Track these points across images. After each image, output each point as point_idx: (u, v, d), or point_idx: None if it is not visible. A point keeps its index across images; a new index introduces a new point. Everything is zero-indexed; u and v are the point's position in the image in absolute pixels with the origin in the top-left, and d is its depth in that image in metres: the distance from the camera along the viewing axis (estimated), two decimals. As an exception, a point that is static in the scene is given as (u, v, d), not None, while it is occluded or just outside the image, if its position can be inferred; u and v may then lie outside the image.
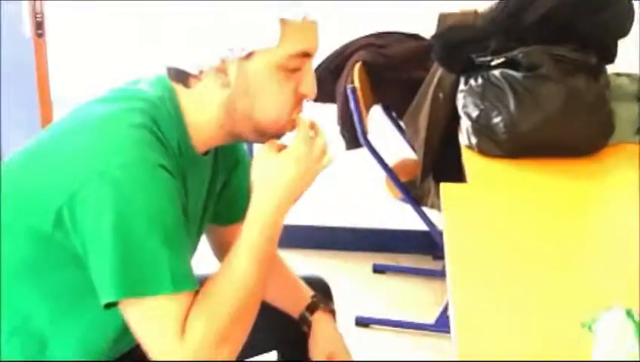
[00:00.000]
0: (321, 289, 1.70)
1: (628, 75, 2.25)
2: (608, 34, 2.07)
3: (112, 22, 3.21)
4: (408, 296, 3.09)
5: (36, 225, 1.24)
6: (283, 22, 1.26)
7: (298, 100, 1.33)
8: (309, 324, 1.61)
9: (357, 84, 2.51)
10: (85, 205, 1.19)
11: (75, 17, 3.14)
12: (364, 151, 2.67)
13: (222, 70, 1.28)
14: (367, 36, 2.78)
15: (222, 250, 1.63)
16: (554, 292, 1.33)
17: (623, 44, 2.16)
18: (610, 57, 2.10)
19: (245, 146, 1.62)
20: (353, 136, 2.73)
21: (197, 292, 1.26)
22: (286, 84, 1.30)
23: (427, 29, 2.64)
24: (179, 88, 1.32)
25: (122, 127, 1.24)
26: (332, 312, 1.64)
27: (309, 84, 1.32)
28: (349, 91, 2.48)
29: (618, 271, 1.42)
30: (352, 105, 2.49)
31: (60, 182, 1.22)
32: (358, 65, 2.58)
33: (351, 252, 3.38)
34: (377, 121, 2.87)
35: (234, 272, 1.28)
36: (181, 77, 1.31)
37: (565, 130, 1.94)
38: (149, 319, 1.22)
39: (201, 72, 1.29)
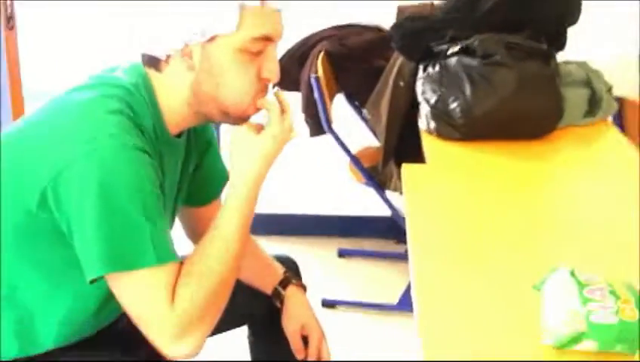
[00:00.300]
0: (289, 268, 1.79)
1: (576, 63, 2.36)
2: (558, 22, 2.18)
3: (82, 14, 3.25)
4: (372, 279, 3.19)
5: (21, 204, 1.31)
6: (242, 7, 1.34)
7: (262, 85, 1.41)
8: (281, 299, 1.69)
9: (320, 73, 2.60)
10: (68, 185, 1.26)
11: (45, 10, 3.17)
12: (327, 138, 2.77)
13: (187, 54, 1.36)
14: (329, 28, 2.87)
15: (194, 231, 1.72)
16: (510, 264, 1.42)
17: (572, 32, 2.27)
18: (560, 44, 2.22)
19: (214, 130, 1.71)
20: (317, 123, 2.82)
21: (181, 264, 1.34)
22: (249, 67, 1.37)
23: (386, 21, 2.75)
24: (152, 73, 1.40)
25: (100, 112, 1.32)
26: (303, 287, 1.73)
27: (272, 68, 1.39)
28: (312, 81, 2.57)
29: (567, 241, 1.54)
30: (316, 94, 2.58)
31: (42, 164, 1.29)
32: (321, 56, 2.67)
33: (316, 237, 3.47)
34: (340, 109, 2.96)
35: (220, 238, 1.36)
36: (152, 62, 1.39)
37: (518, 114, 2.04)
38: (138, 290, 1.30)
39: (168, 57, 1.37)
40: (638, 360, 1.12)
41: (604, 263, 1.41)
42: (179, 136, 1.48)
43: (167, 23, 1.35)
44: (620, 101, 2.37)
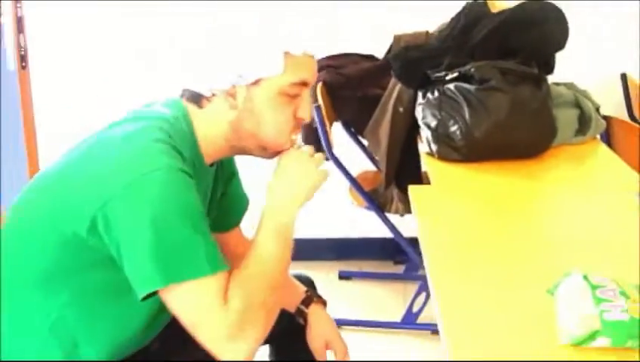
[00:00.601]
0: (308, 285, 1.89)
1: (565, 84, 2.50)
2: (547, 48, 2.31)
3: (98, 54, 3.35)
4: (373, 299, 3.29)
5: (69, 232, 1.41)
6: (286, 54, 1.49)
7: (297, 123, 1.55)
8: (305, 317, 1.79)
9: (320, 102, 2.72)
10: (119, 210, 1.36)
11: (59, 50, 3.27)
12: (325, 165, 2.87)
13: (231, 94, 1.50)
14: (325, 58, 2.98)
15: (229, 255, 1.82)
16: (520, 274, 1.54)
17: (560, 56, 2.40)
18: (550, 68, 2.35)
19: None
20: (317, 151, 2.93)
21: (230, 273, 1.43)
22: (286, 108, 1.52)
23: (380, 50, 2.87)
24: (191, 108, 1.53)
25: (145, 141, 1.42)
26: (324, 303, 1.83)
27: (307, 109, 1.54)
28: (314, 110, 2.68)
29: (570, 251, 1.65)
30: (317, 122, 2.69)
31: (92, 192, 1.39)
32: (319, 86, 2.79)
33: (317, 261, 3.57)
34: (337, 137, 3.07)
35: (261, 256, 1.46)
36: (195, 98, 1.52)
37: (513, 135, 2.17)
38: (192, 298, 1.38)
39: (213, 95, 1.51)
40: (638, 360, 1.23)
41: (604, 269, 1.52)
42: (211, 165, 1.59)
43: (214, 65, 1.49)
44: (607, 119, 2.50)
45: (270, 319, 1.45)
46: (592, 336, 1.23)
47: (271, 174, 1.55)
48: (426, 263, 1.61)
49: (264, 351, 1.92)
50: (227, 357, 1.39)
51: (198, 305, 1.39)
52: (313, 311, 1.80)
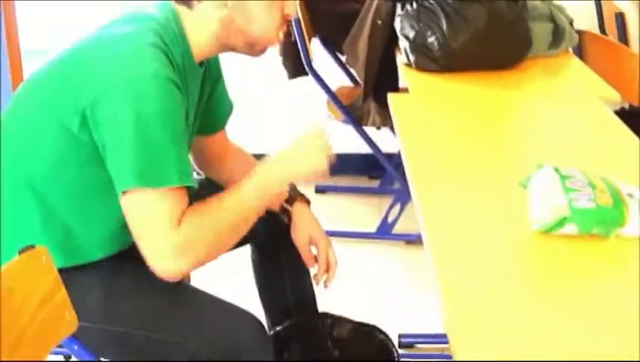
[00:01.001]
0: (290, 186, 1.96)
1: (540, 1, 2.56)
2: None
3: None
4: (350, 212, 3.39)
5: (65, 124, 1.48)
6: None
7: (284, 19, 1.61)
8: (288, 215, 1.88)
9: (300, 16, 2.75)
10: (106, 109, 1.43)
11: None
12: (304, 81, 2.94)
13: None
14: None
15: (202, 159, 1.89)
16: (497, 171, 1.64)
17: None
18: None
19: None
20: (295, 66, 3.00)
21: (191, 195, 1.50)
22: (274, 4, 1.58)
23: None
24: (181, 9, 1.58)
25: (138, 43, 1.48)
26: (308, 202, 1.91)
27: (292, 6, 1.61)
28: (293, 23, 2.72)
29: (543, 155, 1.73)
30: (297, 36, 2.74)
31: (84, 88, 1.46)
32: (298, 0, 2.83)
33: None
34: (315, 52, 3.12)
35: (240, 200, 1.53)
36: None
37: (490, 46, 2.24)
38: (151, 207, 1.45)
39: None
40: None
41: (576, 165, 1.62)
42: (200, 65, 1.65)
43: None
44: (580, 34, 2.57)
45: (211, 254, 1.51)
46: (561, 223, 1.32)
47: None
48: (406, 168, 1.69)
49: (246, 250, 2.00)
50: (159, 270, 1.47)
51: (151, 216, 1.45)
52: (297, 209, 1.87)
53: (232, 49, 1.63)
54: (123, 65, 1.45)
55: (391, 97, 2.05)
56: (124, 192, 1.45)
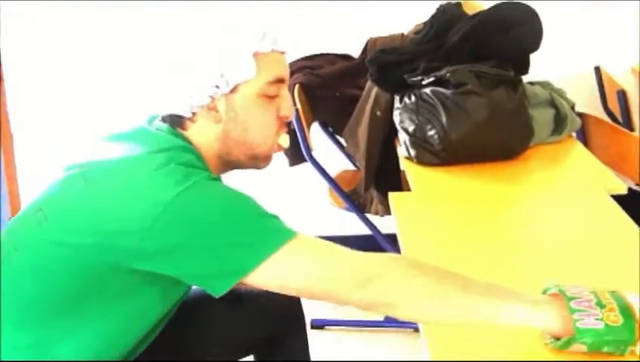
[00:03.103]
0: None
1: (540, 83, 2.59)
2: (522, 49, 2.40)
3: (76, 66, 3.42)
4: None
5: (108, 262, 1.40)
6: (256, 55, 1.51)
7: (281, 122, 1.58)
8: None
9: (298, 105, 2.79)
10: (167, 229, 1.35)
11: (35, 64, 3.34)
12: (304, 167, 2.96)
13: (212, 108, 1.52)
14: (300, 59, 3.06)
15: None
16: (502, 277, 1.60)
17: (534, 54, 2.49)
18: (525, 69, 2.43)
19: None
20: (295, 153, 3.02)
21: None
22: (269, 108, 1.54)
23: (355, 49, 2.96)
24: (183, 133, 1.55)
25: (168, 166, 1.42)
26: None
27: (287, 106, 1.58)
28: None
29: (548, 255, 1.74)
30: (295, 125, 2.77)
31: (127, 222, 1.37)
32: (297, 88, 2.87)
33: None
34: (315, 137, 3.15)
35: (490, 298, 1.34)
36: (178, 122, 1.54)
37: (491, 137, 2.26)
38: (297, 262, 1.35)
39: (194, 114, 1.53)
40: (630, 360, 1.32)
41: (587, 275, 1.61)
42: None
43: (188, 82, 1.50)
44: (582, 117, 2.60)
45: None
46: (569, 343, 1.32)
47: None
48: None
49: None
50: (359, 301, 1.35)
51: (308, 266, 1.36)
52: None
53: (237, 166, 1.60)
54: (161, 184, 1.39)
55: (392, 197, 2.07)
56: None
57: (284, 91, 1.58)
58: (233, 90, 1.52)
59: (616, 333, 1.31)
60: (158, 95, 1.56)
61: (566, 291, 1.35)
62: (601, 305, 1.33)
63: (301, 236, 1.38)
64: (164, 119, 1.57)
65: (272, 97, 1.55)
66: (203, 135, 1.55)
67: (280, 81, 1.56)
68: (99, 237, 1.40)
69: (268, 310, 1.89)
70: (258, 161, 1.60)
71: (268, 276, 1.36)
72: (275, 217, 1.41)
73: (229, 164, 1.59)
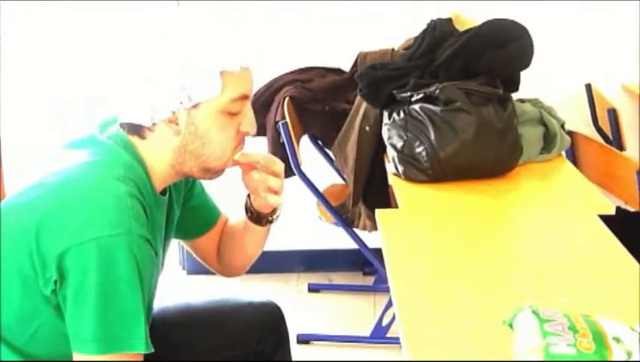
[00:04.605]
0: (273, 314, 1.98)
1: (530, 101, 2.61)
2: (512, 67, 2.42)
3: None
4: (343, 312, 3.39)
5: (25, 271, 1.47)
6: (223, 73, 1.52)
7: (240, 138, 1.61)
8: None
9: (287, 118, 2.80)
10: (74, 263, 1.42)
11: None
12: (294, 179, 2.97)
13: (173, 121, 1.54)
14: (291, 72, 3.07)
15: (204, 255, 1.93)
16: (482, 295, 1.65)
17: (524, 71, 2.50)
18: (515, 87, 2.45)
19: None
20: (286, 166, 3.02)
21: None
22: (229, 125, 1.57)
23: (346, 62, 2.97)
24: (134, 140, 1.58)
25: (110, 196, 1.47)
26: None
27: (249, 122, 1.60)
28: (281, 127, 2.77)
29: (532, 275, 1.76)
30: (285, 139, 2.78)
31: (52, 236, 1.44)
32: (286, 101, 2.88)
33: (285, 273, 3.66)
34: (305, 150, 3.17)
35: None
36: (136, 130, 1.57)
37: (479, 155, 2.27)
38: None
39: (154, 124, 1.55)
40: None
41: (570, 295, 1.63)
42: (163, 193, 1.66)
43: (149, 93, 1.51)
44: (572, 135, 2.62)
45: None
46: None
47: None
48: (391, 287, 1.71)
49: None
50: None
51: None
52: None
53: (188, 175, 1.63)
54: (97, 217, 1.44)
55: (379, 214, 2.08)
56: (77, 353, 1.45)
57: (247, 108, 1.60)
58: (195, 106, 1.54)
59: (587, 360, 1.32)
60: (120, 100, 1.58)
61: (540, 313, 1.36)
62: (574, 329, 1.34)
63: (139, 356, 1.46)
64: (122, 125, 1.59)
65: (234, 114, 1.57)
66: (159, 145, 1.57)
67: (244, 97, 1.58)
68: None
69: (250, 326, 1.91)
70: (210, 173, 1.63)
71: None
72: (140, 323, 1.46)
73: (181, 173, 1.62)
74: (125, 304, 1.44)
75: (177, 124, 1.54)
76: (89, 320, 1.43)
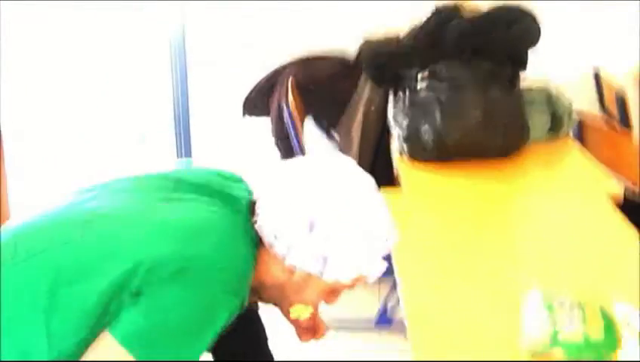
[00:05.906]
0: None
1: (538, 81, 2.58)
2: (519, 46, 2.39)
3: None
4: (347, 295, 3.36)
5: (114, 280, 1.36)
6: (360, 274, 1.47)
7: (319, 302, 1.54)
8: None
9: (291, 100, 2.78)
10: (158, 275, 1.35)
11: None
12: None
13: (291, 268, 1.46)
14: (297, 57, 3.06)
15: None
16: (489, 278, 1.63)
17: (533, 51, 2.47)
18: (523, 65, 2.42)
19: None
20: (288, 146, 3.01)
21: None
22: (325, 295, 1.51)
23: (351, 48, 2.94)
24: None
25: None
26: None
27: (334, 301, 1.53)
28: (284, 110, 2.75)
29: (541, 255, 1.74)
30: (288, 121, 2.76)
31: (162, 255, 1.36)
32: (290, 82, 2.86)
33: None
34: (309, 131, 3.15)
35: None
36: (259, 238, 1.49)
37: (485, 137, 2.25)
38: None
39: (271, 246, 1.47)
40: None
41: (575, 275, 1.62)
42: None
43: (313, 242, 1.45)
44: (579, 115, 2.59)
45: None
46: (546, 349, 1.31)
47: None
48: (395, 268, 1.69)
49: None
50: None
51: None
52: None
53: (259, 299, 1.57)
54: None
55: (382, 193, 2.05)
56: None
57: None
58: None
59: (596, 347, 1.30)
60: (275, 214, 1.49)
61: (548, 296, 1.34)
62: (584, 315, 1.32)
63: None
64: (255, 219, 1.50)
65: (333, 292, 1.52)
66: (270, 265, 1.49)
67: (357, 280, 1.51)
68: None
69: None
70: (262, 303, 1.60)
71: None
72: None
73: (255, 293, 1.54)
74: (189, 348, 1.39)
75: (292, 273, 1.48)
76: (146, 324, 1.36)
